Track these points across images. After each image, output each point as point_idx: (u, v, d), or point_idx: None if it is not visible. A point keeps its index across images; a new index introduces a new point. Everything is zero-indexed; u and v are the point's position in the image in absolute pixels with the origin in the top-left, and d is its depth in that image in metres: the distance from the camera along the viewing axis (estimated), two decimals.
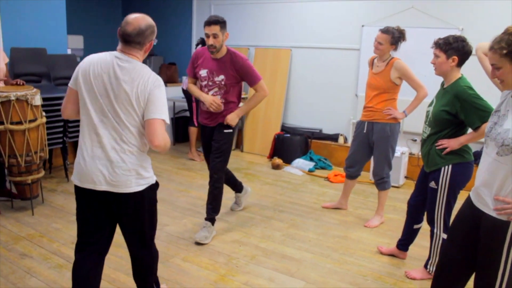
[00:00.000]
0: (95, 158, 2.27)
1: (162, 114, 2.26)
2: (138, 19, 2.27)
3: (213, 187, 3.89)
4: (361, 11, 6.21)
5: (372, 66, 4.20)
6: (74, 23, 7.00)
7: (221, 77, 3.78)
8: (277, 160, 6.29)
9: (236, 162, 6.53)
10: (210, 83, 3.82)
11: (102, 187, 2.28)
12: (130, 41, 2.27)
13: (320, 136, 6.72)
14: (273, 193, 5.21)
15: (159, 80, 2.31)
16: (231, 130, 3.93)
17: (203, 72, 3.83)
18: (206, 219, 3.92)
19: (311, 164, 6.22)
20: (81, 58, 7.28)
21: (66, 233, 3.85)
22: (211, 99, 3.77)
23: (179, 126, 7.46)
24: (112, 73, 2.26)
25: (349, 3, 6.32)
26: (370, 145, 4.23)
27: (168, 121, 2.30)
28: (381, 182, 4.25)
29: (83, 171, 2.30)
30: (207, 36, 3.64)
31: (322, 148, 6.60)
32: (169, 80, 7.53)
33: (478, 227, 2.13)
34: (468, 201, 2.25)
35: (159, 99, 2.27)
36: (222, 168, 3.93)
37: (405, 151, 5.61)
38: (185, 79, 6.57)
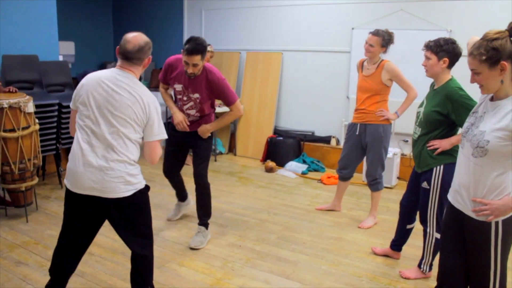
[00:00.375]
0: (86, 165, 2.39)
1: (159, 134, 2.52)
2: (137, 37, 2.47)
3: (201, 193, 3.95)
4: (351, 14, 6.26)
5: (362, 69, 4.25)
6: (65, 29, 6.98)
7: (196, 95, 3.70)
8: (270, 163, 6.32)
9: (229, 166, 6.55)
10: (185, 98, 3.76)
11: (92, 192, 2.40)
12: (131, 57, 2.46)
13: (312, 138, 6.75)
14: (266, 196, 5.23)
15: (155, 101, 2.52)
16: (210, 134, 3.97)
17: (178, 87, 3.75)
18: (199, 224, 3.94)
19: (304, 167, 6.25)
20: (73, 64, 7.31)
21: None
22: (180, 119, 3.75)
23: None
24: (112, 87, 2.42)
25: (339, 6, 6.38)
26: (363, 147, 4.27)
27: (166, 136, 2.57)
28: (374, 183, 4.29)
29: (75, 176, 2.42)
30: (186, 64, 3.49)
31: (315, 150, 6.64)
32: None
33: (463, 230, 2.18)
34: (449, 205, 2.28)
35: (158, 120, 2.50)
36: (206, 173, 3.99)
37: (397, 152, 5.66)
38: None
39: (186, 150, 4.19)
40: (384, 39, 4.00)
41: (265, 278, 3.31)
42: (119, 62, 2.51)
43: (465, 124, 2.20)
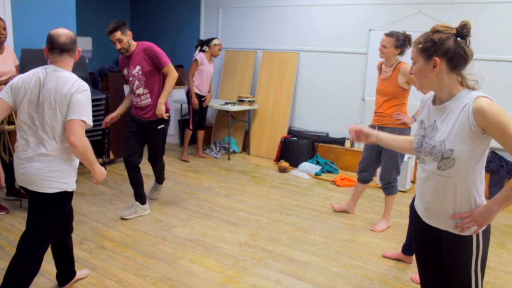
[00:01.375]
0: (20, 159, 2.55)
1: (81, 115, 2.47)
2: (65, 31, 2.59)
3: (155, 167, 4.62)
4: (369, 15, 6.22)
5: (381, 71, 4.20)
6: (83, 25, 7.04)
7: (137, 67, 4.12)
8: (284, 163, 6.30)
9: (242, 165, 6.55)
10: (131, 78, 4.17)
11: (22, 183, 2.59)
12: (66, 49, 2.55)
13: (326, 139, 6.72)
14: (279, 196, 5.22)
15: (83, 86, 2.52)
16: (163, 126, 4.34)
17: (125, 72, 4.22)
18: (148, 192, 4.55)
19: (317, 168, 6.23)
20: (90, 60, 7.36)
21: (74, 232, 3.85)
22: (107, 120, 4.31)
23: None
24: (39, 83, 2.50)
25: (356, 7, 6.34)
26: (380, 150, 4.23)
27: (90, 122, 2.53)
28: (388, 187, 4.25)
29: (15, 167, 2.61)
30: (113, 43, 4.04)
31: (329, 151, 6.61)
32: (176, 83, 7.53)
33: (440, 246, 2.05)
34: (420, 221, 2.12)
35: (80, 102, 2.48)
36: (161, 157, 4.57)
37: (411, 156, 5.61)
38: (187, 82, 6.62)
39: (143, 137, 4.39)
40: (398, 39, 3.94)
41: (276, 278, 3.30)
42: (50, 59, 2.57)
43: (416, 138, 2.04)
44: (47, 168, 2.51)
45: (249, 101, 6.91)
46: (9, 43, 4.78)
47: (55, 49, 2.53)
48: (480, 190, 1.93)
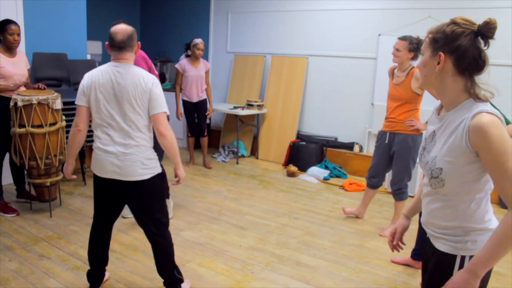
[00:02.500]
0: (106, 153, 2.66)
1: (164, 107, 2.68)
2: (122, 27, 2.66)
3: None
4: (378, 20, 6.21)
5: (393, 76, 4.17)
6: (93, 29, 7.09)
7: None
8: (292, 168, 6.30)
9: (251, 169, 6.56)
10: None
11: (113, 176, 2.68)
12: (124, 46, 2.64)
13: (335, 144, 6.71)
14: (288, 200, 5.22)
15: (155, 79, 2.70)
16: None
17: None
18: None
19: (326, 172, 6.22)
20: (100, 63, 7.42)
21: (83, 235, 3.90)
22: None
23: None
24: (114, 80, 2.62)
25: (366, 12, 6.34)
26: (391, 156, 4.20)
27: (168, 112, 2.73)
28: (399, 193, 4.23)
29: (98, 163, 2.71)
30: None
31: (337, 156, 6.60)
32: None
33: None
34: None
35: (160, 95, 2.67)
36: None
37: None
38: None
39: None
40: (412, 43, 3.91)
41: (284, 282, 3.29)
42: (112, 56, 2.69)
43: (419, 149, 1.80)
44: (141, 158, 2.67)
45: (258, 105, 6.92)
46: (21, 47, 4.83)
47: (114, 46, 2.64)
48: (479, 223, 1.61)
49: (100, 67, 2.70)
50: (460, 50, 1.54)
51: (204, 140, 6.59)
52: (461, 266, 1.61)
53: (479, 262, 1.50)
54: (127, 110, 2.61)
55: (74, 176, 2.98)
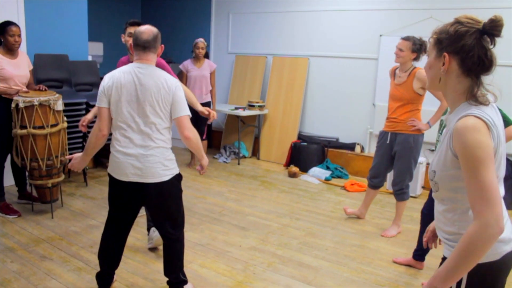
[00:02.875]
0: (126, 156, 2.64)
1: (187, 110, 2.69)
2: (148, 28, 2.67)
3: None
4: (379, 20, 6.21)
5: (394, 76, 4.16)
6: (94, 30, 7.11)
7: None
8: (294, 168, 6.29)
9: (252, 170, 6.56)
10: None
11: (134, 178, 2.64)
12: (149, 46, 2.64)
13: (336, 145, 6.71)
14: (289, 201, 5.21)
15: (178, 82, 2.72)
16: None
17: None
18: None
19: (327, 173, 6.21)
20: (101, 65, 7.43)
21: (84, 236, 3.90)
22: None
23: None
24: (136, 81, 2.61)
25: (367, 13, 6.33)
26: (393, 156, 4.20)
27: (190, 114, 2.72)
28: (400, 193, 4.22)
29: (117, 166, 2.67)
30: (130, 35, 3.54)
31: (339, 157, 6.59)
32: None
33: None
34: None
35: (182, 98, 2.68)
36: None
37: (422, 161, 5.58)
38: None
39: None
40: (415, 44, 3.91)
41: (286, 283, 3.29)
42: (136, 56, 2.69)
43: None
44: (161, 159, 2.67)
45: (259, 106, 6.92)
46: (22, 48, 4.83)
47: (139, 45, 2.65)
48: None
49: (122, 67, 2.70)
50: (465, 50, 1.48)
51: (203, 144, 6.26)
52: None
53: (438, 277, 1.45)
54: (149, 112, 2.60)
55: (70, 156, 2.90)
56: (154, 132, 2.63)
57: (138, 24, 3.54)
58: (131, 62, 3.58)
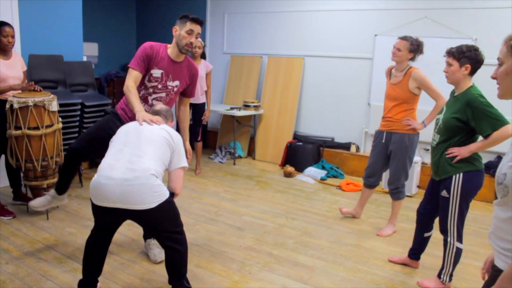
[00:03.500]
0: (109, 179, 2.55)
1: (184, 162, 2.80)
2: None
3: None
4: (374, 20, 6.22)
5: (390, 76, 4.18)
6: (89, 31, 7.09)
7: (176, 83, 3.40)
8: (289, 168, 6.30)
9: (248, 170, 6.56)
10: (160, 86, 3.35)
11: (117, 205, 2.55)
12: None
13: (332, 144, 6.72)
14: (285, 200, 5.22)
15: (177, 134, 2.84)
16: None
17: (156, 73, 3.31)
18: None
19: (323, 173, 6.22)
20: (96, 65, 7.42)
21: (80, 237, 3.89)
22: (144, 118, 2.90)
23: (192, 134, 7.46)
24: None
25: (362, 12, 6.35)
26: (388, 155, 4.21)
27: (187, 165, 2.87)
28: (396, 192, 4.23)
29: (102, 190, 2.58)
30: (190, 33, 3.29)
31: (334, 156, 6.61)
32: None
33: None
34: None
35: (182, 148, 2.81)
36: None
37: (417, 161, 5.60)
38: None
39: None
40: (412, 44, 3.93)
41: (282, 283, 3.29)
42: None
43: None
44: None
45: (254, 106, 6.92)
46: (16, 48, 4.82)
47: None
48: None
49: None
50: None
51: (198, 145, 6.28)
52: None
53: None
54: (147, 144, 2.72)
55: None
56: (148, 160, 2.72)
57: (201, 23, 3.37)
58: (169, 56, 3.36)
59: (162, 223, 2.70)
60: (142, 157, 2.58)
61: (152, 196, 2.54)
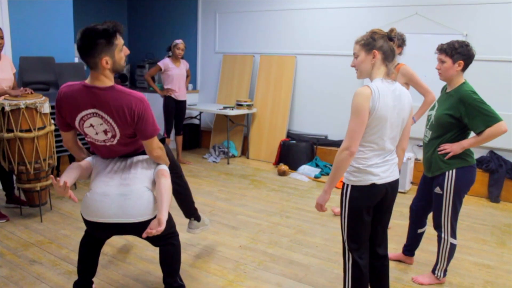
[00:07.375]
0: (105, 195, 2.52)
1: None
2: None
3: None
4: (365, 17, 6.24)
5: None
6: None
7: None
8: (283, 167, 6.31)
9: (242, 169, 6.56)
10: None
11: (113, 219, 2.50)
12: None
13: (325, 142, 6.73)
14: (279, 199, 5.22)
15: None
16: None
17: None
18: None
19: (317, 171, 6.23)
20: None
21: (74, 239, 3.88)
22: None
23: (185, 133, 7.48)
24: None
25: (353, 10, 6.36)
26: None
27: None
28: None
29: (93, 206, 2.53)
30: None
31: (328, 154, 6.62)
32: None
33: None
34: None
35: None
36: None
37: (410, 157, 5.62)
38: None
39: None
40: (398, 38, 3.95)
41: (277, 281, 3.30)
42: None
43: None
44: None
45: (247, 105, 6.92)
46: (7, 51, 4.80)
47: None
48: None
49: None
50: None
51: (179, 139, 6.79)
52: None
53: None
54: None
55: None
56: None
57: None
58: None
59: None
60: (133, 173, 2.61)
61: (148, 208, 2.54)
